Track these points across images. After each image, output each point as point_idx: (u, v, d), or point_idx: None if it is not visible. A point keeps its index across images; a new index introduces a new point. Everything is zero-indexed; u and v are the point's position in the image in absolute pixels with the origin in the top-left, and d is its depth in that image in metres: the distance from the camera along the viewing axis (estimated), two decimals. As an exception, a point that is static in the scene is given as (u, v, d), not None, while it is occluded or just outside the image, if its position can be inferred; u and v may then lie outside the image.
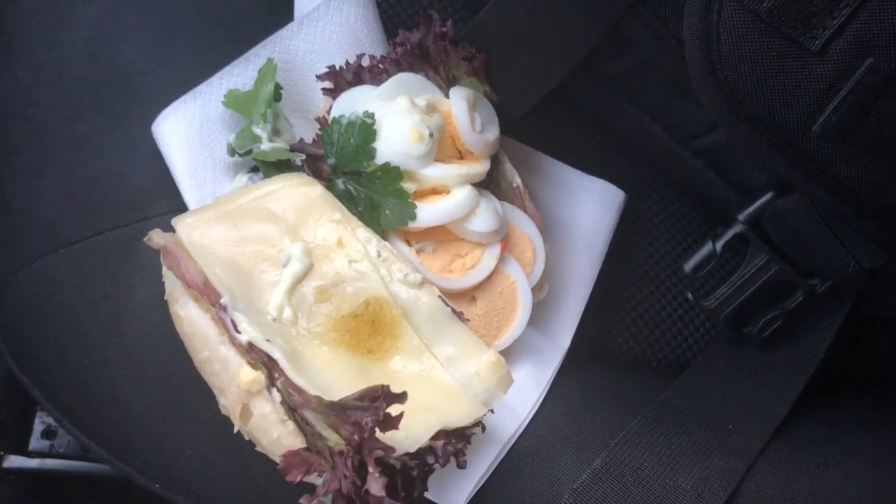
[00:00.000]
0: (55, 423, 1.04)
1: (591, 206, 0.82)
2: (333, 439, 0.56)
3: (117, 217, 0.73)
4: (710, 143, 0.76)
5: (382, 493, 0.52)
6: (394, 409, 0.53)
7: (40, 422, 1.07)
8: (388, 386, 0.53)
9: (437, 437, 0.57)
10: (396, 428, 0.54)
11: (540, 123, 0.84)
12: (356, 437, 0.53)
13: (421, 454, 0.56)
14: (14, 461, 1.02)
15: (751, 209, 0.75)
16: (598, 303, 0.80)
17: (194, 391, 0.66)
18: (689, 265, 0.77)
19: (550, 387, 0.73)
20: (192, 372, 0.64)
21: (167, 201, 0.73)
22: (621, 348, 0.83)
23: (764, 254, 0.76)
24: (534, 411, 0.71)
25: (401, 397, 0.53)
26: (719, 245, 0.76)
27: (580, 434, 0.70)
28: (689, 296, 0.79)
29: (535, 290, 0.74)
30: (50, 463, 1.01)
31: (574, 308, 0.78)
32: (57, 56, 0.77)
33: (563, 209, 0.81)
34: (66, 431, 0.71)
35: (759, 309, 0.78)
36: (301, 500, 0.56)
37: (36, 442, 1.05)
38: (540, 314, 0.76)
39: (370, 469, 0.53)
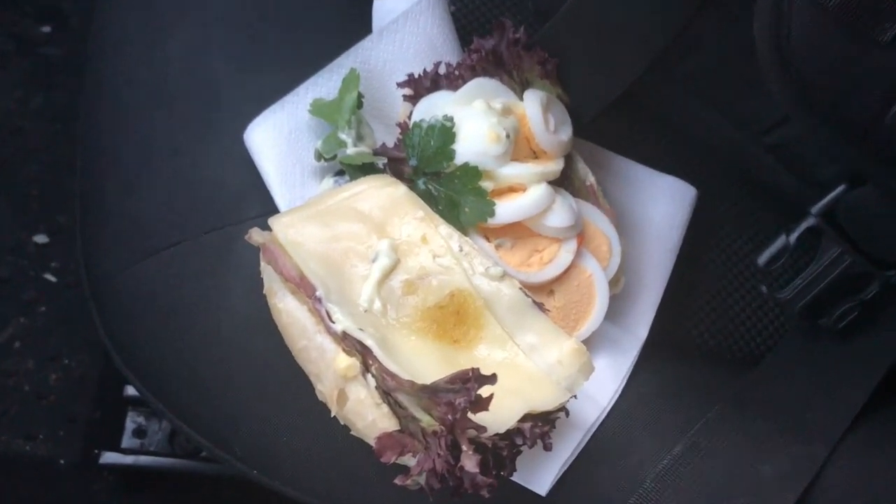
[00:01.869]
0: (147, 420, 1.10)
1: (664, 203, 0.84)
2: (426, 421, 0.59)
3: (214, 220, 0.77)
4: (781, 138, 0.78)
5: (476, 470, 0.55)
6: (484, 391, 0.56)
7: (132, 421, 1.13)
8: (478, 368, 0.56)
9: (523, 419, 0.60)
10: (486, 409, 0.56)
11: (610, 124, 0.86)
12: (450, 416, 0.56)
13: (509, 435, 0.59)
14: (109, 457, 1.07)
15: (824, 202, 0.76)
16: (672, 297, 0.82)
17: (289, 381, 0.70)
18: (762, 258, 0.78)
19: (629, 376, 0.75)
20: (287, 362, 0.68)
21: (260, 205, 0.77)
22: (696, 341, 0.84)
23: (838, 246, 0.77)
24: (614, 400, 0.73)
25: (490, 379, 0.56)
26: (793, 238, 0.77)
27: (659, 422, 0.72)
28: (764, 289, 0.81)
29: (612, 283, 0.76)
30: (143, 460, 1.07)
31: (650, 301, 0.80)
32: (153, 72, 0.82)
33: (637, 206, 0.83)
34: (170, 423, 0.76)
35: (835, 300, 0.79)
36: (395, 480, 0.59)
37: (128, 440, 1.11)
38: (617, 307, 0.78)
39: (464, 447, 0.55)
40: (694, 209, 0.84)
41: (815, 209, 0.77)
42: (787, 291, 0.79)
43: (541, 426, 0.60)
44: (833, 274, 0.78)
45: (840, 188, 0.76)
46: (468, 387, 0.56)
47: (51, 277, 1.31)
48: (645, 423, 0.72)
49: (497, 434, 0.58)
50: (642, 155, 0.85)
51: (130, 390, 1.12)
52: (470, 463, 0.55)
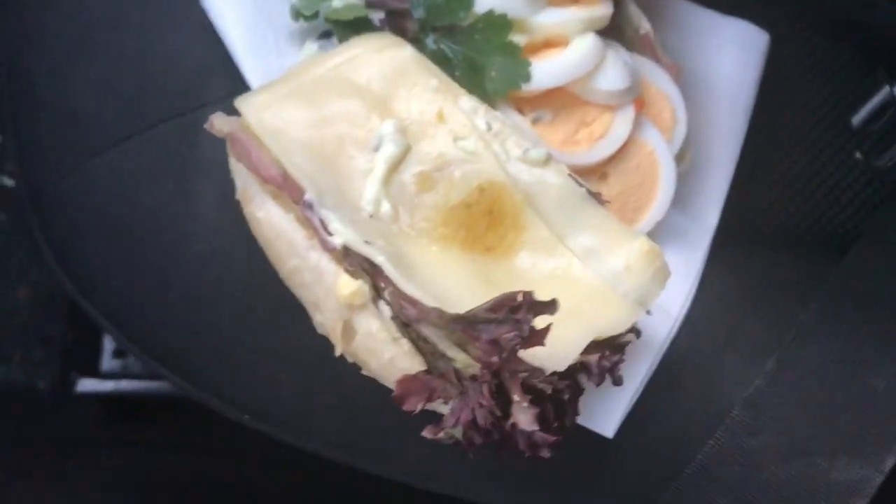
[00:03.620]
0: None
1: (731, 54, 0.67)
2: (461, 360, 0.45)
3: (170, 105, 0.61)
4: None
5: (534, 427, 0.41)
6: (539, 322, 0.42)
7: (110, 341, 0.99)
8: (531, 293, 0.41)
9: (587, 350, 0.45)
10: (542, 344, 0.42)
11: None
12: (495, 357, 0.41)
13: (571, 373, 0.45)
14: (87, 384, 0.94)
15: (943, 41, 0.60)
16: (745, 171, 0.66)
17: (283, 305, 0.55)
18: (858, 117, 0.63)
19: (701, 277, 0.61)
20: (277, 284, 0.54)
21: (227, 83, 0.61)
22: (774, 223, 0.69)
23: (957, 97, 0.62)
24: (686, 307, 0.59)
25: (549, 306, 0.41)
26: None
27: (743, 330, 0.58)
28: (858, 155, 0.65)
29: (677, 159, 0.61)
30: (125, 385, 0.94)
31: (720, 179, 0.65)
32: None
33: (699, 60, 0.67)
34: (137, 359, 0.62)
35: (946, 166, 0.64)
36: (424, 433, 0.46)
37: (108, 362, 0.98)
38: (681, 189, 0.62)
39: (516, 397, 0.42)
40: (766, 59, 0.68)
41: (930, 51, 0.61)
42: (887, 157, 0.64)
43: (609, 356, 0.46)
44: (948, 133, 0.63)
45: (966, 21, 0.60)
46: (518, 318, 0.41)
47: (8, 181, 1.15)
48: (726, 333, 0.58)
49: (555, 373, 0.44)
50: (700, -6, 0.68)
51: (107, 306, 0.98)
52: (525, 418, 0.41)
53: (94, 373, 0.95)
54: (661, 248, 0.60)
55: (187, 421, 0.97)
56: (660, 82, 0.61)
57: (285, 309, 0.55)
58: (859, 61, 0.72)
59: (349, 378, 0.54)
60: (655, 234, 0.60)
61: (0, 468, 0.86)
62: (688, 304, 0.59)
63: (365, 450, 0.58)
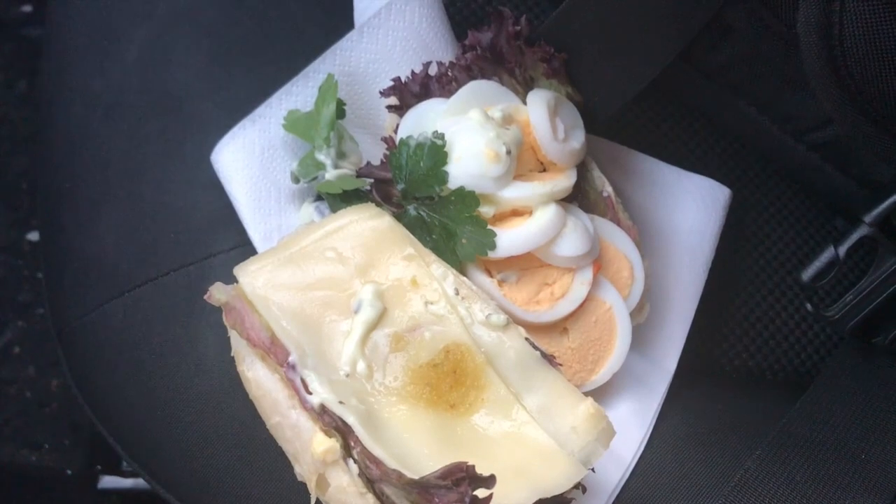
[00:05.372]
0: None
1: (694, 208, 0.73)
2: (417, 518, 0.51)
3: (181, 255, 0.69)
4: (829, 137, 0.67)
5: (474, 587, 0.47)
6: (481, 492, 0.48)
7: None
8: (472, 466, 0.48)
9: (531, 508, 0.51)
10: (486, 508, 0.48)
11: (629, 116, 0.76)
12: (441, 525, 0.47)
13: (515, 530, 0.51)
14: (108, 482, 1.01)
15: (879, 209, 0.66)
16: (704, 315, 0.72)
17: (271, 447, 0.62)
18: (807, 274, 0.68)
19: (656, 420, 0.66)
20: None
21: (233, 235, 0.69)
22: (733, 363, 0.75)
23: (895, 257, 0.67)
24: (640, 453, 0.64)
25: (488, 481, 0.48)
26: (842, 250, 0.67)
27: (692, 476, 0.63)
28: (809, 307, 0.71)
29: (635, 312, 0.67)
30: (143, 482, 1.01)
31: (679, 326, 0.70)
32: (107, 83, 0.73)
33: (663, 213, 0.73)
34: (145, 482, 0.69)
35: (891, 317, 0.69)
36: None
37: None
38: (641, 336, 0.69)
39: (459, 559, 0.47)
40: (728, 212, 0.74)
41: (868, 217, 0.66)
42: (836, 309, 0.69)
43: (551, 513, 0.52)
44: (890, 288, 0.68)
45: (899, 193, 0.66)
46: (461, 490, 0.47)
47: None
48: (675, 479, 0.63)
49: (500, 531, 0.50)
50: (666, 151, 0.75)
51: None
52: (467, 578, 0.47)
53: (117, 466, 1.02)
54: (619, 395, 0.67)
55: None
56: (619, 243, 0.67)
57: (274, 451, 0.61)
58: (820, 211, 0.78)
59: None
60: (614, 379, 0.66)
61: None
62: (641, 449, 0.65)
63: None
